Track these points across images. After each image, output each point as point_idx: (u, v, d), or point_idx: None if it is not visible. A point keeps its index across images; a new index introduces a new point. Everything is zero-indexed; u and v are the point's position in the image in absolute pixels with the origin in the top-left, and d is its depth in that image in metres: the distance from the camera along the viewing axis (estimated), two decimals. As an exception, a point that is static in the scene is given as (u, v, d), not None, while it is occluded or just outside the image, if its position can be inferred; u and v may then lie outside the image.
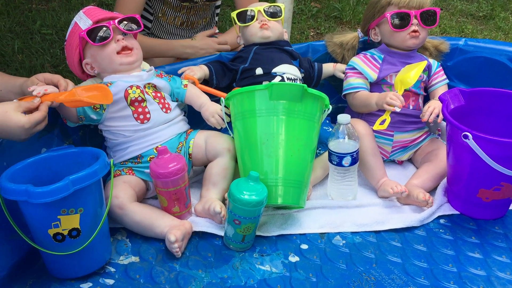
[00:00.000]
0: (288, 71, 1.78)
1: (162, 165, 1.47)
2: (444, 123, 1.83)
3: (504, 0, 3.97)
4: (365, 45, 1.98)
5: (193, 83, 1.71)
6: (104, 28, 1.54)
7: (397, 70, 1.79)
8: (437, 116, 1.69)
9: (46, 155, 1.42)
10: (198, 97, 1.68)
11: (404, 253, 1.48)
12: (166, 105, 1.63)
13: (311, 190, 1.69)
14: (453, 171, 1.61)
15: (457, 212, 1.64)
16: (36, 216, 1.26)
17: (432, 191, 1.70)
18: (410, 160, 1.89)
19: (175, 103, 1.67)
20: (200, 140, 1.63)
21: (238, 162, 1.58)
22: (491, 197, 1.55)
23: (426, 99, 1.86)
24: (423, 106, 1.77)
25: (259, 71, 1.77)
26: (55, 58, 2.84)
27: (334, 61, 1.99)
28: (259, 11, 1.84)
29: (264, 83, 1.70)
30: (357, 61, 1.86)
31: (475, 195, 1.56)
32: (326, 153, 1.66)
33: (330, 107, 1.61)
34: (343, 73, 1.91)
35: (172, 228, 1.44)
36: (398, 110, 1.63)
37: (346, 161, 1.60)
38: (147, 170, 1.55)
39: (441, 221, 1.62)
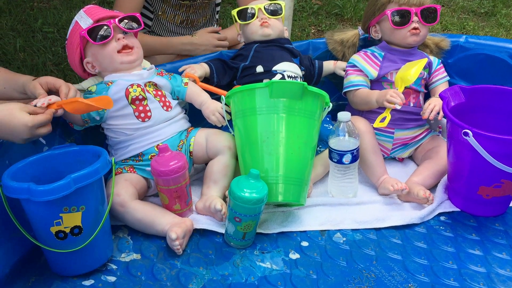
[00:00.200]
0: (289, 69, 1.78)
1: (163, 163, 1.47)
2: (445, 121, 1.84)
3: (506, -4, 3.96)
4: (365, 43, 1.98)
5: (194, 81, 1.72)
6: (105, 27, 1.55)
7: (397, 67, 1.79)
8: (438, 113, 1.70)
9: (48, 153, 1.43)
10: (198, 95, 1.68)
11: (404, 250, 1.49)
12: (167, 103, 1.63)
13: (311, 187, 1.69)
14: (454, 168, 1.61)
15: (458, 209, 1.64)
16: (38, 214, 1.27)
17: (432, 188, 1.70)
18: (410, 158, 1.89)
19: (176, 101, 1.67)
20: (201, 138, 1.63)
21: (239, 160, 1.58)
22: (491, 194, 1.55)
23: (427, 96, 1.86)
24: (424, 104, 1.77)
25: (259, 69, 1.77)
26: (57, 56, 2.85)
27: (335, 58, 1.99)
28: (259, 9, 1.84)
29: (265, 81, 1.70)
30: (358, 58, 1.86)
31: (475, 192, 1.57)
32: (327, 151, 1.67)
33: (331, 104, 1.61)
34: (344, 70, 1.91)
35: (173, 226, 1.45)
36: (398, 107, 1.63)
37: (347, 158, 1.60)
38: (148, 168, 1.56)
39: (442, 218, 1.62)
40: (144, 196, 1.63)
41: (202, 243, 1.50)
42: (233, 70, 1.81)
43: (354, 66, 1.85)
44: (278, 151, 1.49)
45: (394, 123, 1.77)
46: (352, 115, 1.65)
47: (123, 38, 1.58)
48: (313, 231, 1.55)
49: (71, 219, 1.28)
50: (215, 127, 1.68)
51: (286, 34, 1.93)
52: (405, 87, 1.71)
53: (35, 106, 1.39)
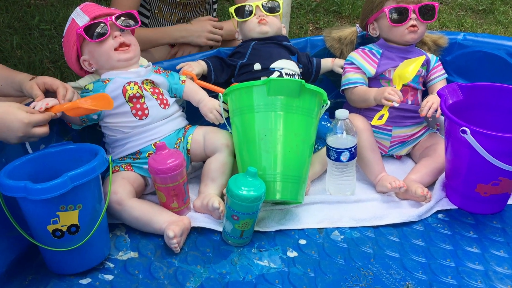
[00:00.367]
0: (287, 66, 1.78)
1: (160, 161, 1.47)
2: (443, 118, 1.84)
3: (504, -7, 3.96)
4: (363, 40, 1.98)
5: (191, 78, 1.71)
6: (102, 25, 1.54)
7: (395, 65, 1.78)
8: (436, 111, 1.69)
9: (45, 151, 1.42)
10: (196, 93, 1.68)
11: (402, 248, 1.49)
12: (164, 101, 1.63)
13: (309, 185, 1.69)
14: (452, 166, 1.61)
15: (455, 207, 1.64)
16: (35, 212, 1.27)
17: (430, 186, 1.70)
18: (408, 155, 1.89)
19: (173, 99, 1.67)
20: (199, 136, 1.63)
21: (237, 157, 1.58)
22: (489, 192, 1.55)
23: (425, 94, 1.86)
24: (422, 101, 1.77)
25: (257, 66, 1.77)
26: (54, 53, 2.84)
27: (333, 56, 1.99)
28: (257, 6, 1.83)
29: (262, 78, 1.70)
30: (356, 56, 1.85)
31: (473, 190, 1.57)
32: (325, 149, 1.66)
33: (328, 102, 1.61)
34: (342, 68, 1.90)
35: (170, 224, 1.44)
36: (396, 105, 1.63)
37: (345, 156, 1.60)
38: (146, 166, 1.55)
39: (439, 216, 1.62)
40: (141, 194, 1.62)
41: (200, 241, 1.50)
42: (230, 67, 1.80)
43: (352, 63, 1.85)
44: (276, 149, 1.48)
45: (392, 121, 1.77)
46: (350, 112, 1.65)
47: (120, 35, 1.57)
48: (311, 229, 1.55)
49: (68, 218, 1.28)
50: (213, 125, 1.67)
51: (284, 32, 1.92)
52: (403, 85, 1.71)
53: (33, 109, 1.38)
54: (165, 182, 1.48)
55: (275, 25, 1.85)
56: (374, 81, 1.83)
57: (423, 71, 1.85)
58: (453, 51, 1.99)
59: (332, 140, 1.61)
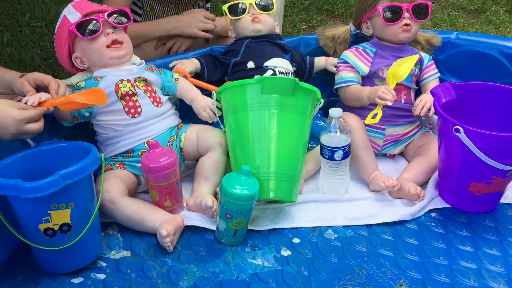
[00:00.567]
0: (280, 64, 1.78)
1: (153, 160, 1.46)
2: (436, 117, 1.84)
3: (495, -7, 3.98)
4: (357, 39, 1.98)
5: (184, 76, 1.70)
6: (94, 22, 1.53)
7: (389, 63, 1.79)
8: (429, 110, 1.70)
9: (36, 149, 1.40)
10: (189, 91, 1.67)
11: (395, 247, 1.49)
12: (157, 99, 1.62)
13: (303, 184, 1.69)
14: (445, 164, 1.61)
15: (448, 206, 1.65)
16: (26, 211, 1.25)
17: (423, 184, 1.71)
18: (401, 154, 1.89)
19: (166, 97, 1.66)
20: (192, 134, 1.62)
21: (230, 156, 1.57)
22: (482, 191, 1.56)
23: (418, 93, 1.87)
24: (415, 100, 1.77)
25: (250, 64, 1.76)
26: (45, 51, 2.81)
27: (326, 54, 1.99)
28: (250, 4, 1.83)
29: (256, 76, 1.69)
30: (349, 54, 1.85)
31: (466, 189, 1.57)
32: (318, 147, 1.66)
33: (322, 101, 1.61)
34: (335, 66, 1.90)
35: (163, 223, 1.43)
36: (390, 104, 1.63)
37: (338, 155, 1.60)
38: (139, 165, 1.54)
39: (433, 214, 1.62)
40: (134, 192, 1.61)
41: (193, 240, 1.49)
42: (224, 65, 1.79)
43: (346, 62, 1.85)
44: (270, 147, 1.48)
45: (385, 120, 1.77)
46: (343, 111, 1.65)
47: (113, 32, 1.56)
48: (305, 227, 1.55)
49: (60, 216, 1.27)
50: (206, 123, 1.66)
51: (277, 30, 1.92)
52: (396, 84, 1.71)
53: (25, 104, 1.37)
54: (158, 180, 1.47)
55: (268, 23, 1.84)
56: (368, 80, 1.83)
57: (416, 70, 1.85)
58: (446, 50, 1.99)
59: (326, 139, 1.61)
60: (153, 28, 2.01)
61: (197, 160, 1.64)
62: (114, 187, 1.48)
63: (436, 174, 1.70)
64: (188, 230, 1.52)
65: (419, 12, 1.79)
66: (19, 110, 1.31)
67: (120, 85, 1.55)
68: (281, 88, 1.49)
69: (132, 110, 1.56)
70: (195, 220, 1.53)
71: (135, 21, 2.12)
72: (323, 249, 1.47)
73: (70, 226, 1.29)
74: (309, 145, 1.70)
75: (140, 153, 1.57)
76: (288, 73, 1.79)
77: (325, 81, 2.03)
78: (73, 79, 1.60)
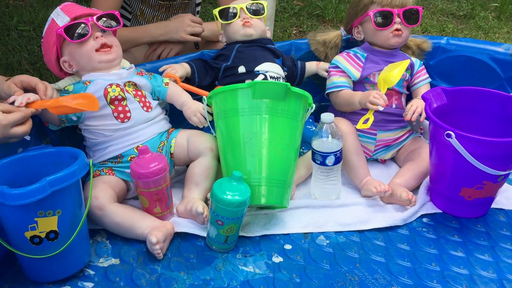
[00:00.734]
0: (271, 69, 1.76)
1: (143, 165, 1.44)
2: (427, 122, 1.84)
3: (483, -1, 4.02)
4: (348, 44, 1.97)
5: (175, 81, 1.68)
6: (82, 25, 1.51)
7: (380, 68, 1.78)
8: (420, 115, 1.70)
9: (22, 155, 1.38)
10: (179, 96, 1.65)
11: (387, 253, 1.48)
12: (147, 104, 1.60)
13: (294, 189, 1.67)
14: (436, 169, 1.61)
15: (440, 211, 1.64)
16: (12, 218, 1.22)
17: (415, 189, 1.70)
18: (393, 159, 1.89)
19: (156, 102, 1.64)
20: (182, 139, 1.60)
21: (221, 161, 1.55)
22: (473, 196, 1.56)
23: (409, 97, 1.87)
24: (406, 105, 1.77)
25: (241, 69, 1.75)
26: (33, 55, 2.78)
27: (317, 59, 1.98)
28: (241, 8, 1.82)
29: (247, 81, 1.68)
30: (340, 59, 1.85)
31: (457, 194, 1.57)
32: (310, 152, 1.65)
33: (314, 106, 1.60)
34: (326, 71, 1.90)
35: (153, 229, 1.41)
36: (381, 109, 1.63)
37: (330, 160, 1.59)
38: (128, 170, 1.52)
39: (424, 220, 1.62)
40: (123, 199, 1.59)
41: (183, 247, 1.47)
42: (214, 70, 1.78)
43: (337, 67, 1.84)
44: (261, 152, 1.47)
45: (377, 125, 1.76)
46: (335, 116, 1.64)
47: (102, 36, 1.54)
48: (296, 233, 1.54)
49: (47, 224, 1.24)
50: (197, 128, 1.65)
51: (268, 34, 1.91)
52: (388, 89, 1.71)
53: (13, 103, 1.34)
54: (148, 186, 1.45)
55: (259, 27, 1.84)
56: (359, 84, 1.83)
57: (407, 75, 1.85)
58: (437, 55, 2.00)
59: (318, 144, 1.60)
60: (141, 33, 1.99)
61: (187, 166, 1.62)
62: (103, 193, 1.46)
63: (427, 179, 1.70)
64: (179, 237, 1.50)
65: (410, 17, 1.79)
66: (3, 114, 1.28)
67: (109, 90, 1.53)
68: (272, 93, 1.48)
69: (122, 115, 1.54)
70: (186, 227, 1.51)
71: (124, 25, 2.10)
72: (315, 256, 1.46)
73: (57, 234, 1.26)
74: (301, 150, 1.69)
75: (129, 158, 1.55)
76: (279, 77, 1.78)
77: (317, 86, 2.03)
78: (61, 83, 1.58)
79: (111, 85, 1.54)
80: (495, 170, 1.46)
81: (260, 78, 1.73)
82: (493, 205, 1.65)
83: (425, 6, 3.84)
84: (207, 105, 1.60)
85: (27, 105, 1.35)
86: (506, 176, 1.53)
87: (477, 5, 3.87)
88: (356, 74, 1.81)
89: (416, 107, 1.70)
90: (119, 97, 1.54)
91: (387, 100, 1.66)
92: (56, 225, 1.25)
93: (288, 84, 1.49)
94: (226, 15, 1.83)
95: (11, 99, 1.35)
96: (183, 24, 1.98)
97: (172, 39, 1.98)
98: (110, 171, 1.55)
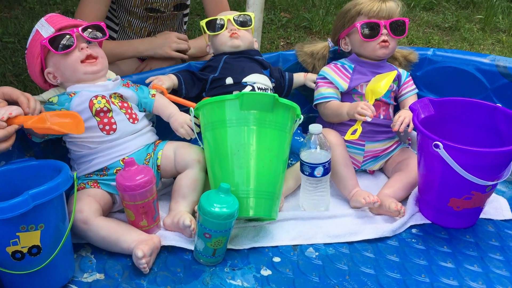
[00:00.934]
0: (259, 80, 1.76)
1: (129, 178, 1.41)
2: (414, 133, 1.84)
3: (468, 12, 4.07)
4: (335, 55, 1.98)
5: (161, 92, 1.67)
6: (67, 36, 1.49)
7: (367, 80, 1.79)
8: (408, 125, 1.70)
9: (5, 168, 1.35)
10: (166, 107, 1.63)
11: (377, 264, 1.47)
12: (133, 116, 1.58)
13: (283, 201, 1.66)
14: (424, 180, 1.61)
15: (429, 222, 1.64)
16: (-7, 233, 1.19)
17: (403, 200, 1.70)
18: (381, 170, 1.88)
19: (143, 114, 1.62)
20: (169, 151, 1.58)
21: (209, 173, 1.54)
22: (462, 206, 1.55)
23: (396, 108, 1.87)
24: (394, 116, 1.77)
25: (229, 80, 1.74)
26: (17, 67, 2.75)
27: (305, 70, 1.98)
28: (228, 20, 1.81)
29: (235, 92, 1.67)
30: (328, 70, 1.85)
31: (446, 204, 1.56)
32: (298, 164, 1.64)
33: (302, 117, 1.59)
34: (314, 82, 1.90)
35: (139, 243, 1.38)
36: (369, 119, 1.63)
37: (318, 171, 1.58)
38: (113, 183, 1.49)
39: (413, 230, 1.61)
40: (108, 212, 1.56)
41: (170, 261, 1.44)
42: (202, 81, 1.77)
43: (325, 78, 1.84)
44: (249, 164, 1.45)
45: (365, 136, 1.76)
46: (323, 127, 1.64)
47: (87, 47, 1.52)
48: (285, 246, 1.52)
49: (29, 239, 1.21)
50: (184, 140, 1.63)
51: (256, 46, 1.90)
52: (375, 100, 1.71)
53: None
54: (134, 199, 1.43)
55: (247, 39, 1.83)
56: (347, 96, 1.82)
57: (395, 86, 1.85)
58: (423, 66, 2.01)
59: (306, 155, 1.59)
60: (125, 47, 1.98)
61: (174, 178, 1.60)
62: (88, 206, 1.43)
63: (416, 189, 1.70)
64: (165, 250, 1.47)
65: (397, 28, 1.80)
66: None
67: (95, 101, 1.51)
68: (260, 104, 1.47)
69: (107, 127, 1.52)
70: (173, 240, 1.48)
71: (111, 37, 2.09)
72: (304, 268, 1.44)
73: (39, 249, 1.23)
74: (289, 161, 1.68)
75: (115, 171, 1.52)
76: (267, 89, 1.77)
77: (304, 97, 2.02)
78: (45, 95, 1.55)
79: (96, 96, 1.51)
80: (483, 180, 1.46)
81: (248, 89, 1.72)
82: (482, 215, 1.65)
83: (411, 18, 3.88)
84: (195, 116, 1.58)
85: (9, 120, 1.32)
86: (494, 186, 1.53)
87: (462, 17, 3.92)
88: (344, 85, 1.81)
89: (403, 118, 1.70)
90: (105, 108, 1.52)
91: (375, 111, 1.66)
92: (38, 240, 1.22)
93: (276, 95, 1.49)
94: (213, 26, 1.83)
95: None
96: (169, 41, 1.97)
97: (156, 54, 1.97)
98: (95, 184, 1.52)
